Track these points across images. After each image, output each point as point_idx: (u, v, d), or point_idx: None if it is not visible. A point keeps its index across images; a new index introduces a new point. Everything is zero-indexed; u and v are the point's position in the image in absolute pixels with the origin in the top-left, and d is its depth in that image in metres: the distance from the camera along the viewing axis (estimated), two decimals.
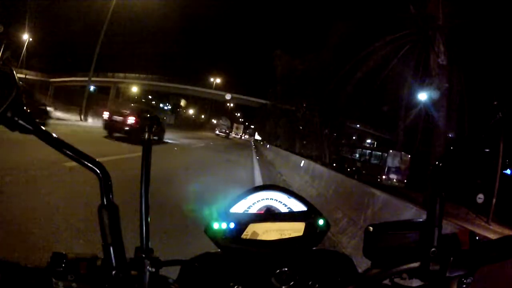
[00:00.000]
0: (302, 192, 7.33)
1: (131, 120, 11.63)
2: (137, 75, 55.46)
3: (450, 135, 12.67)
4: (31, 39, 34.30)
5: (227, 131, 55.69)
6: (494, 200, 17.51)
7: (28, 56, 38.54)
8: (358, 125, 48.61)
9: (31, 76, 45.81)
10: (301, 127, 29.30)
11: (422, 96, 12.20)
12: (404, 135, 15.38)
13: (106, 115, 12.11)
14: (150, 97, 74.26)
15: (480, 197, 18.26)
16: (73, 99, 37.45)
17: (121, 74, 55.15)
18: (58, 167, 4.88)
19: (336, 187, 5.37)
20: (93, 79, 29.65)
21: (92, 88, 45.98)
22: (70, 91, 45.47)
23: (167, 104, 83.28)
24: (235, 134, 66.36)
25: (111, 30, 29.79)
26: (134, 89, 56.89)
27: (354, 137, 62.21)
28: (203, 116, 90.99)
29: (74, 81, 49.65)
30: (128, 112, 12.09)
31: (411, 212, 2.91)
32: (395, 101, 13.44)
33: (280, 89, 28.06)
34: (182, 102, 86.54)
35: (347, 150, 27.49)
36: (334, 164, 24.44)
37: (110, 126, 11.88)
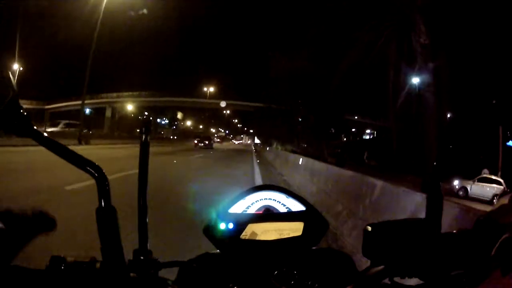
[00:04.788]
0: (303, 189, 7.34)
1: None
2: (130, 93, 55.50)
3: (444, 118, 12.52)
4: (21, 68, 34.24)
5: (241, 141, 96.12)
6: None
7: (20, 86, 38.53)
8: (356, 117, 48.33)
9: (26, 105, 45.51)
10: (299, 126, 29.20)
11: (410, 78, 12.14)
12: (398, 121, 15.18)
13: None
14: (146, 113, 74.38)
15: (485, 172, 18.22)
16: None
17: (114, 94, 55.20)
18: (58, 191, 4.91)
19: (334, 181, 5.36)
20: (87, 101, 29.71)
21: (87, 110, 46.11)
22: (66, 116, 45.50)
23: (164, 118, 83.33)
24: (245, 141, 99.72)
25: (102, 50, 29.98)
26: (130, 107, 56.98)
27: (353, 129, 61.92)
28: (201, 126, 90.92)
29: (69, 106, 49.72)
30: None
31: (407, 197, 2.88)
32: (384, 88, 13.26)
33: (273, 90, 27.86)
34: (179, 115, 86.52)
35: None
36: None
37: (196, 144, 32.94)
